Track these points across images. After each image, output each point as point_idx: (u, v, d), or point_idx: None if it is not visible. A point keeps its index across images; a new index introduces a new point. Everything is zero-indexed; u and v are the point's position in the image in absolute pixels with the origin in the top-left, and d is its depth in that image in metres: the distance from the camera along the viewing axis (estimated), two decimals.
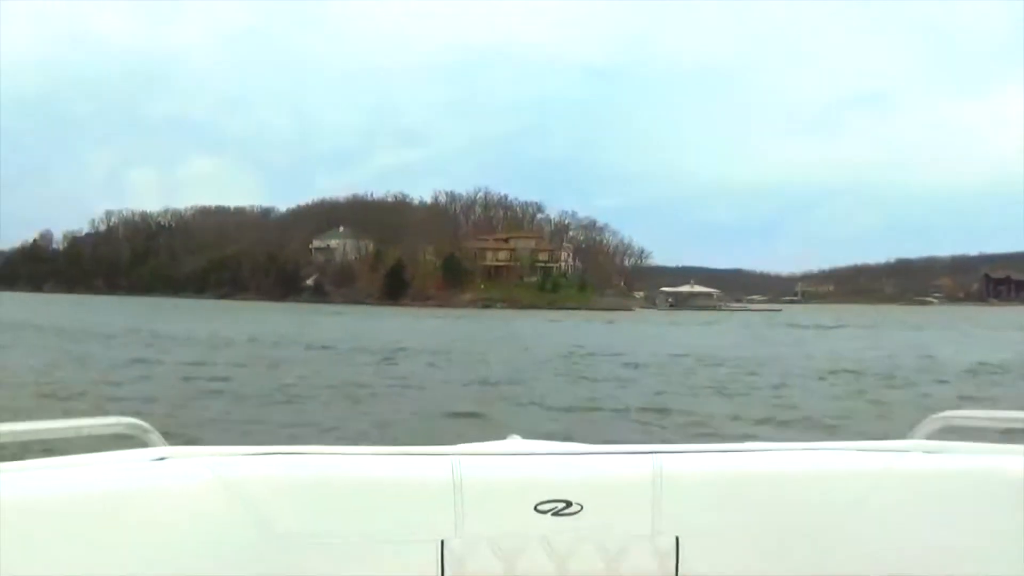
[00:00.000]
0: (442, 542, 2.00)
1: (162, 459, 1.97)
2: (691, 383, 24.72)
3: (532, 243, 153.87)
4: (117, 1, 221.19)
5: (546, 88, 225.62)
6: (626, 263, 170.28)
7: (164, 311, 75.40)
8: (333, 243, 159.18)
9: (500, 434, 2.35)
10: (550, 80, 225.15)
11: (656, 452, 2.12)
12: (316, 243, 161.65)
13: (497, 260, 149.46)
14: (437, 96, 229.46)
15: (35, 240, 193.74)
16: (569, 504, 2.02)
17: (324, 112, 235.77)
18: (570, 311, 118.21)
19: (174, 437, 2.15)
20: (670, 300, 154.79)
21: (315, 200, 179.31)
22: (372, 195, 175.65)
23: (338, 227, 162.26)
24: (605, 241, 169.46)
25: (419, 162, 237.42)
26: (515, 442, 2.24)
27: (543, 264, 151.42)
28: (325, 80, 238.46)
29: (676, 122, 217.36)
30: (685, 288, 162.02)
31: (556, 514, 2.01)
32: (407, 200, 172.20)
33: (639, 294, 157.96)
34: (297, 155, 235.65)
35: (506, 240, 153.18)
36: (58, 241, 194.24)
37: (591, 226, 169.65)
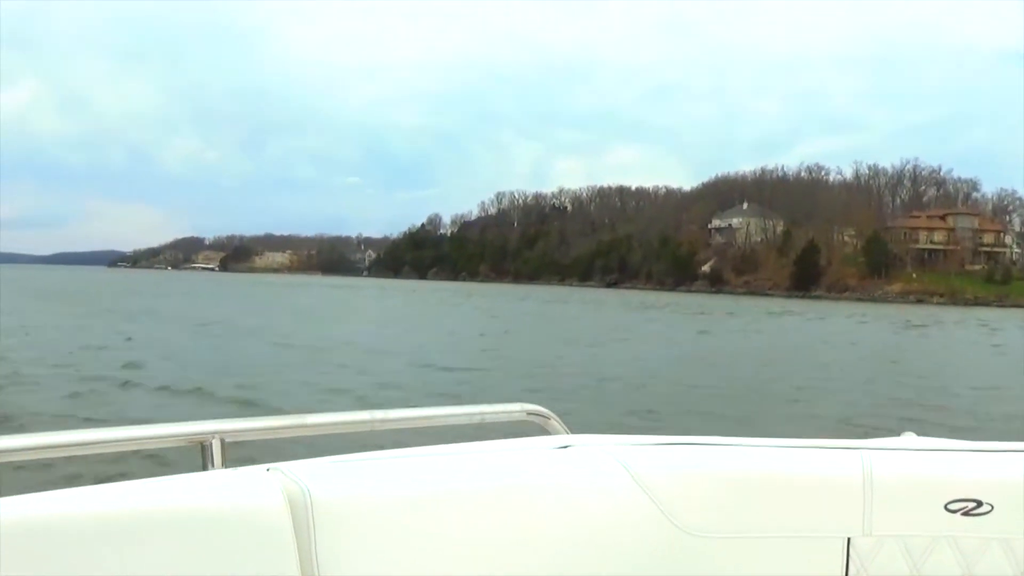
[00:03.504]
0: (848, 539, 1.94)
1: (566, 447, 1.95)
2: None
3: (975, 222, 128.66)
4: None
5: (970, 74, 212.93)
6: None
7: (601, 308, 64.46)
8: (735, 222, 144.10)
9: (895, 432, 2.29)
10: (973, 66, 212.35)
11: None
12: (715, 222, 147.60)
13: (932, 243, 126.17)
14: (861, 83, 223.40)
15: (422, 225, 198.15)
16: (979, 504, 1.94)
17: (748, 100, 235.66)
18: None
19: None
20: None
21: (719, 175, 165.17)
22: (783, 169, 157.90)
23: (741, 203, 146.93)
24: None
25: (843, 150, 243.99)
26: (915, 439, 2.16)
27: (988, 248, 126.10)
28: (749, 68, 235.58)
29: None
30: None
31: (966, 514, 1.94)
32: (823, 173, 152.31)
33: None
34: (720, 143, 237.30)
35: (942, 218, 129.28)
36: (445, 226, 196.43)
37: None
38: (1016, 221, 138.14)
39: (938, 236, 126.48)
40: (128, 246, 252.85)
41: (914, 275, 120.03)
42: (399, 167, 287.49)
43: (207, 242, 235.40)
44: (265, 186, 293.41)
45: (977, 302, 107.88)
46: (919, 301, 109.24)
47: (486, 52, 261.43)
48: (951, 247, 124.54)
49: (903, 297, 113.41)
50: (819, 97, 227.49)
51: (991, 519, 1.93)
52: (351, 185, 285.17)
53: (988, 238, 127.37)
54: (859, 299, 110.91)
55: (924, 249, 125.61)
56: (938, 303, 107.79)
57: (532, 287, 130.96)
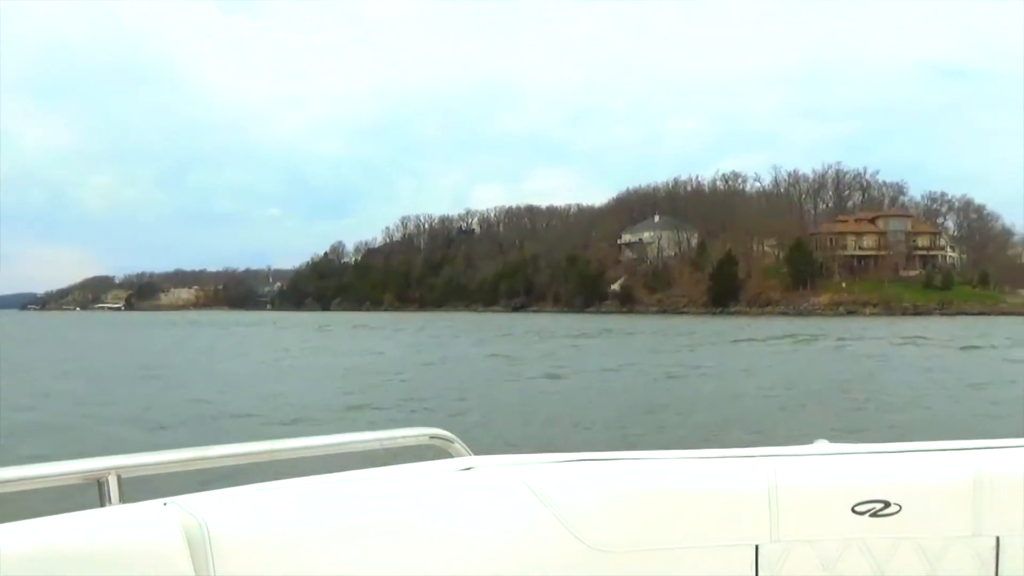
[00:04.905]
0: (757, 547, 1.96)
1: (469, 469, 1.95)
2: None
3: (907, 224, 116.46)
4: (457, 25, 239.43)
5: (891, 89, 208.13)
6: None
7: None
8: (646, 236, 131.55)
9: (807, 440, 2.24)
10: (893, 79, 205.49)
11: (976, 449, 2.06)
12: (626, 237, 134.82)
13: (861, 248, 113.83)
14: (781, 100, 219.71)
15: (325, 254, 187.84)
16: (887, 505, 1.96)
17: (669, 120, 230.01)
18: (977, 317, 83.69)
19: None
20: None
21: (631, 189, 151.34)
22: (697, 180, 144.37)
23: (652, 216, 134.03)
24: (988, 226, 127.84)
25: (764, 165, 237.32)
26: (826, 444, 2.15)
27: (924, 252, 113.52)
28: (670, 89, 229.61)
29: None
30: None
31: (874, 515, 1.97)
32: (740, 182, 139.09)
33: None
34: (642, 163, 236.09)
35: (872, 221, 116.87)
36: (350, 254, 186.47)
37: (965, 208, 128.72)
38: (950, 224, 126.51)
39: (868, 241, 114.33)
40: (45, 288, 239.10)
41: (843, 284, 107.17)
42: (320, 198, 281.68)
43: (117, 281, 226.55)
44: (184, 221, 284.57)
45: (916, 311, 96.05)
46: (850, 313, 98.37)
47: (408, 81, 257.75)
48: (882, 252, 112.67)
49: (832, 309, 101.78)
50: (740, 115, 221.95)
51: (899, 519, 1.95)
52: (271, 217, 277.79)
53: (923, 241, 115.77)
54: (783, 313, 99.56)
55: (853, 256, 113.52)
56: (872, 314, 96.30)
57: (437, 314, 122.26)
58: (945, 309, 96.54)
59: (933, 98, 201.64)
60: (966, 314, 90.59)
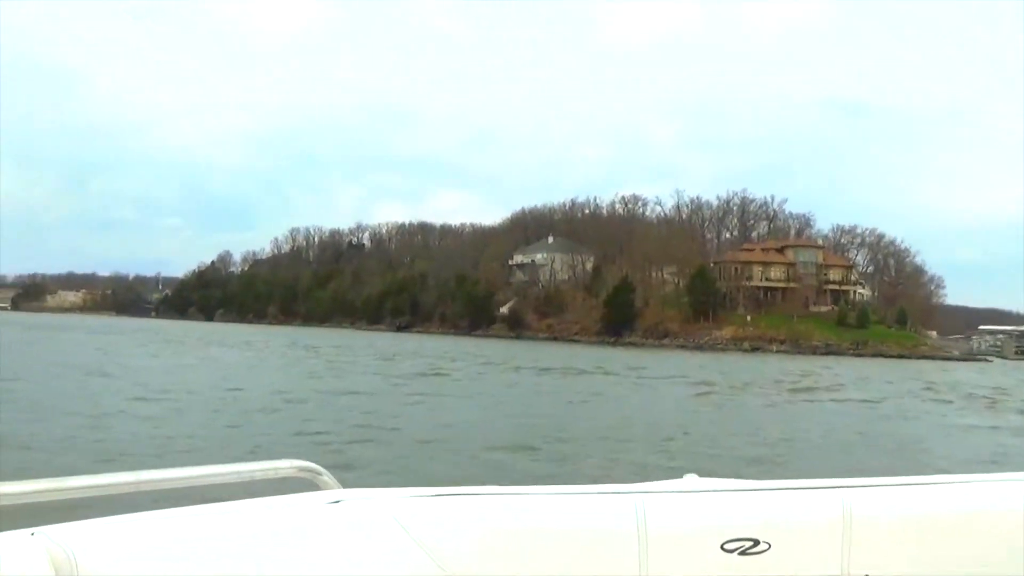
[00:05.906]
0: None
1: (337, 502, 1.93)
2: None
3: (818, 255, 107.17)
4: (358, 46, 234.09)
5: (792, 124, 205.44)
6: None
7: None
8: (539, 257, 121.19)
9: (676, 474, 2.22)
10: (793, 116, 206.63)
11: (846, 487, 2.06)
12: (517, 258, 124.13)
13: (768, 280, 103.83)
14: (683, 131, 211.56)
15: (212, 263, 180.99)
16: (756, 543, 1.95)
17: (570, 147, 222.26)
18: (897, 360, 75.43)
19: None
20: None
21: (526, 209, 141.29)
22: (596, 201, 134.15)
23: (547, 237, 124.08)
24: (903, 263, 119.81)
25: (665, 193, 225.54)
26: (695, 480, 2.15)
27: (836, 287, 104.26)
28: (571, 116, 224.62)
29: (921, 158, 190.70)
30: None
31: (743, 553, 1.94)
32: (639, 206, 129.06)
33: (932, 333, 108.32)
34: (542, 188, 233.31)
35: (781, 251, 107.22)
36: (236, 264, 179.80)
37: (877, 242, 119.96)
38: (860, 259, 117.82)
39: (776, 272, 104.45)
40: None
41: (748, 318, 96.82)
42: (220, 209, 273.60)
43: (8, 280, 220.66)
44: (84, 226, 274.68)
45: (829, 350, 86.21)
46: (755, 348, 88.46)
47: (309, 96, 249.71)
48: (791, 285, 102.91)
49: (736, 344, 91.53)
50: (642, 145, 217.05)
51: (768, 557, 1.92)
52: (171, 226, 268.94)
53: (835, 274, 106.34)
54: (682, 346, 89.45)
55: (759, 287, 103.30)
56: (779, 351, 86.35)
57: (318, 330, 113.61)
58: (860, 350, 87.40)
59: (836, 134, 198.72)
60: (883, 356, 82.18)
